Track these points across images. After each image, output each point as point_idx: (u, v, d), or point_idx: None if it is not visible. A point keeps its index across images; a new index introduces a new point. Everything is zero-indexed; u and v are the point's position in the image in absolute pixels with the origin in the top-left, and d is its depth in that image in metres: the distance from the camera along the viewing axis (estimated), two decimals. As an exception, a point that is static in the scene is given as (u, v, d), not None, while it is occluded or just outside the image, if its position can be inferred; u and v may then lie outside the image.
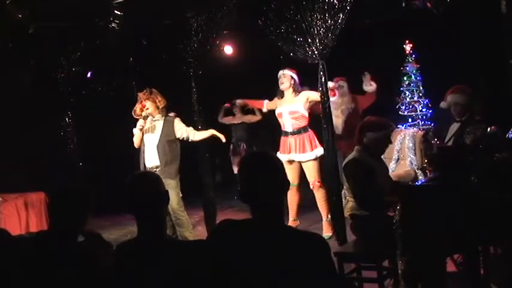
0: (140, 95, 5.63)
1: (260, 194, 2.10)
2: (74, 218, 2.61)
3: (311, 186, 5.83)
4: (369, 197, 3.93)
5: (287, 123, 5.85)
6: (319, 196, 5.82)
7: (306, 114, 5.81)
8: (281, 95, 5.94)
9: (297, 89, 5.84)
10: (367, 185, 3.92)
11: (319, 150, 5.69)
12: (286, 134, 5.89)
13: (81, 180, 7.53)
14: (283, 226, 2.16)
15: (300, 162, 5.84)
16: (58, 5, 5.81)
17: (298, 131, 5.81)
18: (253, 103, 6.59)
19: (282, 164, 2.22)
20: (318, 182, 5.77)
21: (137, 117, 5.66)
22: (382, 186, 3.95)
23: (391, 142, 4.23)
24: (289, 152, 5.83)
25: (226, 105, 8.03)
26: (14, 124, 7.76)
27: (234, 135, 8.25)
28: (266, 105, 6.26)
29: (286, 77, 5.84)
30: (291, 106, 5.81)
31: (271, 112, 6.26)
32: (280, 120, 5.94)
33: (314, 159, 5.75)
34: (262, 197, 2.10)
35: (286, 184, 2.16)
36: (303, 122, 5.81)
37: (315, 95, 5.58)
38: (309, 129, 5.85)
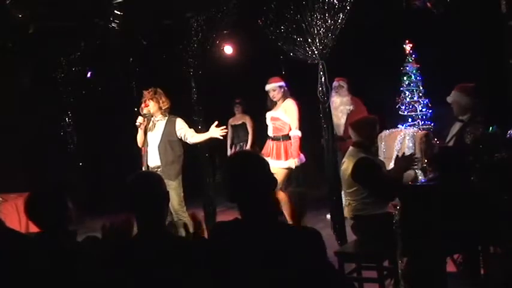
0: (145, 93, 5.56)
1: (248, 193, 2.13)
2: (54, 216, 2.62)
3: None
4: (391, 186, 3.93)
5: (269, 128, 5.99)
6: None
7: (288, 121, 5.81)
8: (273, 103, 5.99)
9: (286, 95, 5.88)
10: (383, 177, 4.00)
11: (292, 162, 5.71)
12: (269, 137, 6.00)
13: (81, 180, 7.54)
14: (274, 223, 2.18)
15: None
16: (58, 5, 5.81)
17: (277, 138, 5.87)
18: None
19: (267, 162, 2.28)
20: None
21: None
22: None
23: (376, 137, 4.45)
24: (268, 156, 5.83)
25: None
26: (14, 124, 7.75)
27: (235, 136, 8.23)
28: None
29: (276, 91, 5.88)
30: (274, 112, 5.91)
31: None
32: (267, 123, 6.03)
33: (285, 168, 5.76)
34: (251, 195, 2.13)
35: (274, 181, 2.19)
36: (284, 130, 5.83)
37: (289, 113, 5.73)
38: (290, 139, 5.80)
